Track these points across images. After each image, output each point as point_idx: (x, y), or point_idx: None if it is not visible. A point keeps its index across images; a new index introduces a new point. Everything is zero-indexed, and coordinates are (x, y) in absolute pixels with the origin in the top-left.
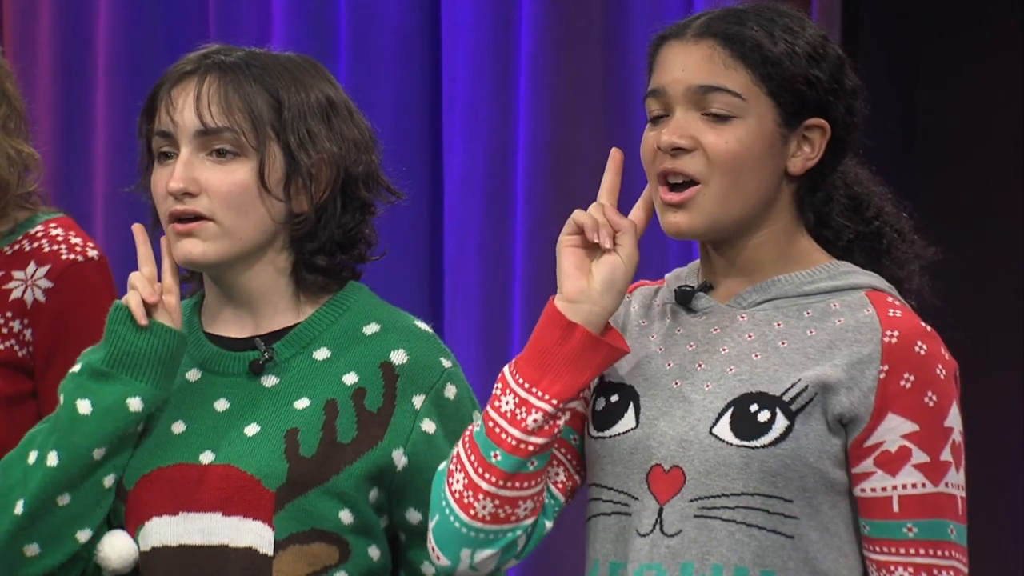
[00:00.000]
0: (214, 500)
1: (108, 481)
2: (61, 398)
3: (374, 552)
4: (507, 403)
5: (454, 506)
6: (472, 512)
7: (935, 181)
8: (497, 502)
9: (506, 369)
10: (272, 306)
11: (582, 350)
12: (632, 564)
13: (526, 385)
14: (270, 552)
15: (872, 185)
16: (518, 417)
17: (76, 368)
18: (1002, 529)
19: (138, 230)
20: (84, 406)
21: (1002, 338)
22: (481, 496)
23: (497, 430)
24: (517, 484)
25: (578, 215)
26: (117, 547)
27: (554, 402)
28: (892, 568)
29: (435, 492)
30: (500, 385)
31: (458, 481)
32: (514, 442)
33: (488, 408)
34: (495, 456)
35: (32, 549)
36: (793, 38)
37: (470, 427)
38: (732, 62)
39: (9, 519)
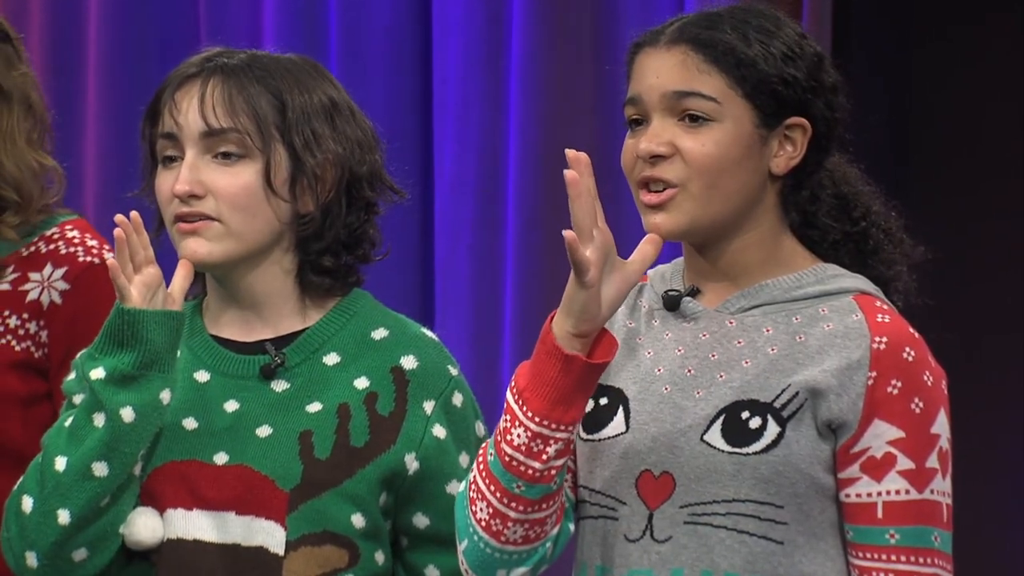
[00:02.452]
0: (228, 499)
1: (138, 469)
2: (83, 403)
3: (379, 557)
4: (519, 436)
5: (482, 534)
6: (503, 538)
7: (926, 184)
8: (527, 526)
9: (511, 399)
10: (277, 309)
11: (585, 377)
12: (620, 570)
13: (537, 419)
14: (281, 552)
15: (860, 184)
16: (535, 450)
17: (100, 375)
18: (997, 531)
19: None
20: (128, 414)
21: (994, 340)
22: (511, 523)
23: (515, 463)
24: (544, 506)
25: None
26: (150, 524)
27: (571, 428)
28: (874, 574)
29: (459, 517)
30: (508, 417)
31: (482, 510)
32: (537, 473)
33: (500, 442)
34: (519, 487)
35: (80, 554)
36: (768, 39)
37: (481, 454)
38: (706, 66)
39: (55, 530)
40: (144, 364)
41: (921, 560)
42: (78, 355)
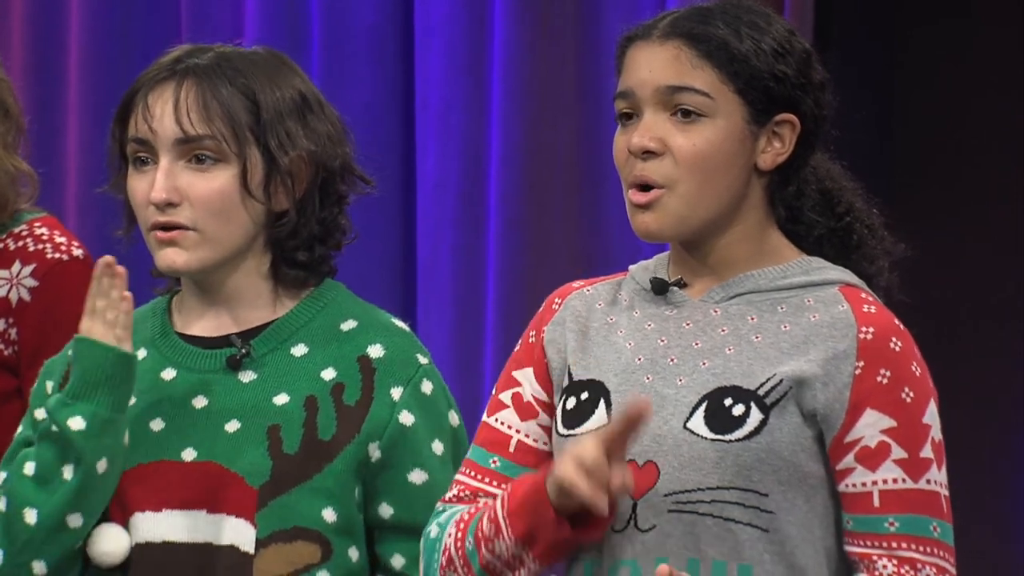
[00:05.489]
0: (198, 497)
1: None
2: (51, 451)
3: (354, 554)
4: (501, 549)
5: None
6: None
7: (909, 185)
8: None
9: (500, 512)
10: (250, 303)
11: (571, 539)
12: (608, 561)
13: (519, 544)
14: (251, 550)
15: (843, 180)
16: (513, 567)
17: (80, 425)
18: (978, 527)
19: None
20: (102, 464)
21: (977, 337)
22: None
23: (494, 569)
24: None
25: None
26: (116, 539)
27: (540, 564)
28: (875, 559)
29: (428, 562)
30: (493, 528)
31: None
32: None
33: (482, 546)
34: None
35: (39, 567)
36: (759, 35)
37: (460, 532)
38: (699, 61)
39: (24, 530)
40: (118, 406)
41: (923, 548)
42: (48, 390)
